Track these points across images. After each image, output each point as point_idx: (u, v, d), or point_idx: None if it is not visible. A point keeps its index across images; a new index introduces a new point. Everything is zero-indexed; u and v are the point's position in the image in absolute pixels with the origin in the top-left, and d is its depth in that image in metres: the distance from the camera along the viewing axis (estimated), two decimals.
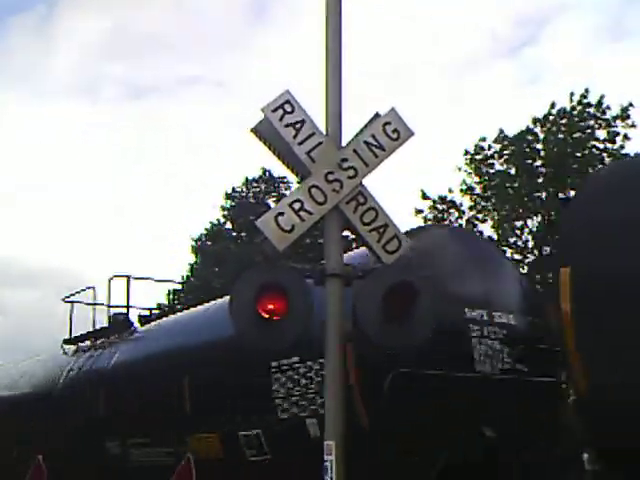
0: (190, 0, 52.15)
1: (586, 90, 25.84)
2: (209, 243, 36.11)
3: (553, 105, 26.04)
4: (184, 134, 56.23)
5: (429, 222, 27.06)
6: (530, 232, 25.08)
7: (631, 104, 24.99)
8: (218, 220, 36.87)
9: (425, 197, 27.22)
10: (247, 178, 37.36)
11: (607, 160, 24.94)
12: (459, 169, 27.04)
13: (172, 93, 60.55)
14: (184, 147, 56.39)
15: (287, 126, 5.64)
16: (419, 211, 27.30)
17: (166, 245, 56.91)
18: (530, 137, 26.12)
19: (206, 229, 36.77)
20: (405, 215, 27.37)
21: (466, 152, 27.01)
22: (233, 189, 37.43)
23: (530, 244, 25.15)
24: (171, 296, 35.89)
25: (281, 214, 5.48)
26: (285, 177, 36.13)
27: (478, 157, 26.82)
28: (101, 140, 58.42)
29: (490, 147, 26.74)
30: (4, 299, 56.96)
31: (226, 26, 56.95)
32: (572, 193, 24.46)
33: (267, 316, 5.19)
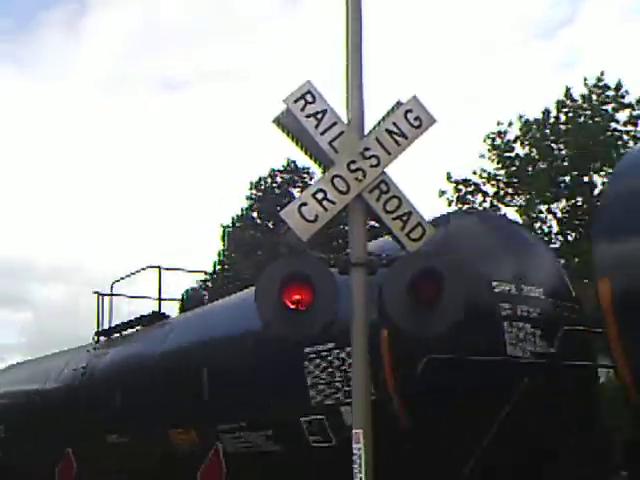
0: None
1: (601, 73, 25.64)
2: (238, 231, 36.23)
3: (568, 90, 25.87)
4: (212, 125, 56.50)
5: (452, 204, 27.05)
6: (555, 217, 24.89)
7: None
8: (248, 207, 36.97)
9: (450, 179, 27.12)
10: (273, 169, 37.45)
11: (630, 144, 24.71)
12: (482, 156, 26.92)
13: (201, 83, 60.74)
14: (212, 138, 56.65)
15: (309, 116, 5.64)
16: (443, 192, 27.23)
17: (196, 234, 57.22)
18: (550, 122, 25.94)
19: (234, 217, 36.94)
20: (429, 197, 27.36)
21: (487, 137, 26.86)
22: (260, 179, 37.54)
23: (555, 229, 24.99)
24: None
25: (305, 204, 5.49)
26: (309, 168, 36.18)
27: (499, 142, 26.67)
28: (129, 133, 58.74)
29: (506, 132, 26.58)
30: (32, 295, 57.64)
31: (251, 16, 56.93)
32: (595, 177, 24.32)
33: (293, 306, 5.20)
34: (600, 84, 25.48)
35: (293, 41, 53.53)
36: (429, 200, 27.41)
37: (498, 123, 26.86)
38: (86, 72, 60.66)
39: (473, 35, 50.01)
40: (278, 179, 37.55)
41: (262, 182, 37.48)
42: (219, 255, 36.37)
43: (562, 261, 21.07)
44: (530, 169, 25.72)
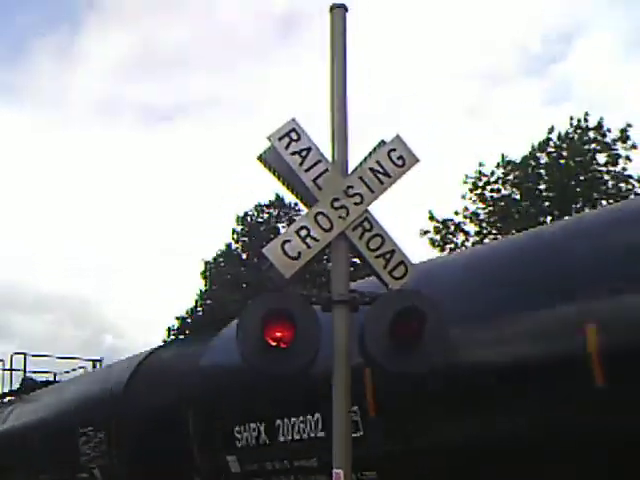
0: (213, 23, 52.54)
1: (586, 114, 26.03)
2: (222, 265, 36.14)
3: (552, 130, 26.20)
4: (199, 157, 56.72)
5: (435, 244, 27.05)
6: None
7: (629, 125, 25.11)
8: (235, 240, 36.97)
9: (432, 218, 27.19)
10: (259, 203, 37.56)
11: (610, 183, 25.02)
12: (463, 197, 27.06)
13: (191, 115, 60.96)
14: (199, 170, 56.79)
15: (293, 154, 5.68)
16: (425, 232, 27.25)
17: (180, 268, 57.13)
18: (533, 162, 26.22)
19: (219, 252, 36.86)
20: (411, 236, 27.38)
21: (466, 178, 27.00)
22: (245, 213, 37.62)
23: None
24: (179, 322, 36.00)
25: (288, 241, 5.50)
26: (297, 204, 36.30)
27: (480, 183, 26.87)
28: (117, 164, 58.67)
29: (493, 173, 26.80)
30: (14, 326, 57.05)
31: (244, 50, 57.48)
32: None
33: (274, 344, 5.19)
34: (583, 125, 25.84)
35: (282, 77, 54.08)
36: (411, 239, 27.47)
37: (480, 164, 27.12)
38: (76, 100, 60.70)
39: (459, 70, 50.71)
40: (264, 214, 37.63)
41: (248, 217, 37.56)
42: (199, 294, 36.23)
43: None
44: (513, 210, 25.91)
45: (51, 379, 16.25)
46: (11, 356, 18.29)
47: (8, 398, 16.16)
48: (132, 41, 59.61)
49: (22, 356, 17.99)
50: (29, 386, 15.36)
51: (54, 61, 62.39)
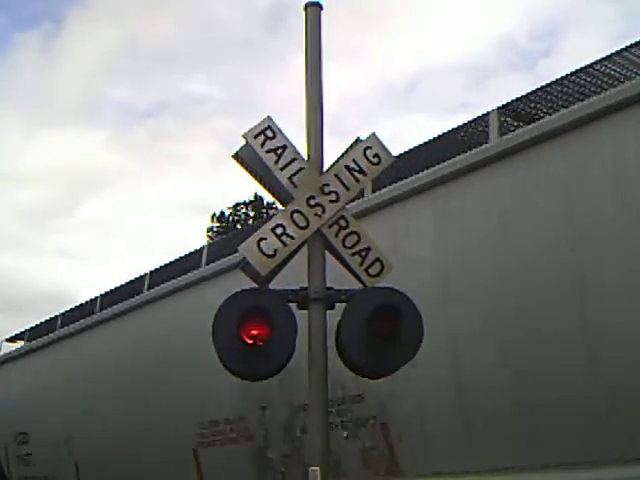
0: (201, 18, 51.82)
1: None
2: None
3: None
4: (180, 157, 56.39)
5: None
6: None
7: None
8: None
9: None
10: (237, 203, 37.46)
11: None
12: None
13: (175, 112, 60.20)
14: (179, 169, 56.38)
15: (269, 152, 5.68)
16: None
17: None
18: None
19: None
20: None
21: None
22: (222, 212, 37.50)
23: None
24: None
25: (263, 239, 5.51)
26: (274, 203, 36.26)
27: None
28: (99, 162, 57.69)
29: None
30: None
31: (227, 48, 57.03)
32: None
33: (251, 342, 5.18)
34: None
35: (262, 75, 53.84)
36: None
37: None
38: (59, 99, 59.69)
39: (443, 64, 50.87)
40: (240, 213, 37.55)
41: (224, 215, 37.45)
42: None
43: None
44: None
45: None
46: None
47: None
48: (115, 39, 58.26)
49: None
50: None
51: (35, 58, 60.99)
